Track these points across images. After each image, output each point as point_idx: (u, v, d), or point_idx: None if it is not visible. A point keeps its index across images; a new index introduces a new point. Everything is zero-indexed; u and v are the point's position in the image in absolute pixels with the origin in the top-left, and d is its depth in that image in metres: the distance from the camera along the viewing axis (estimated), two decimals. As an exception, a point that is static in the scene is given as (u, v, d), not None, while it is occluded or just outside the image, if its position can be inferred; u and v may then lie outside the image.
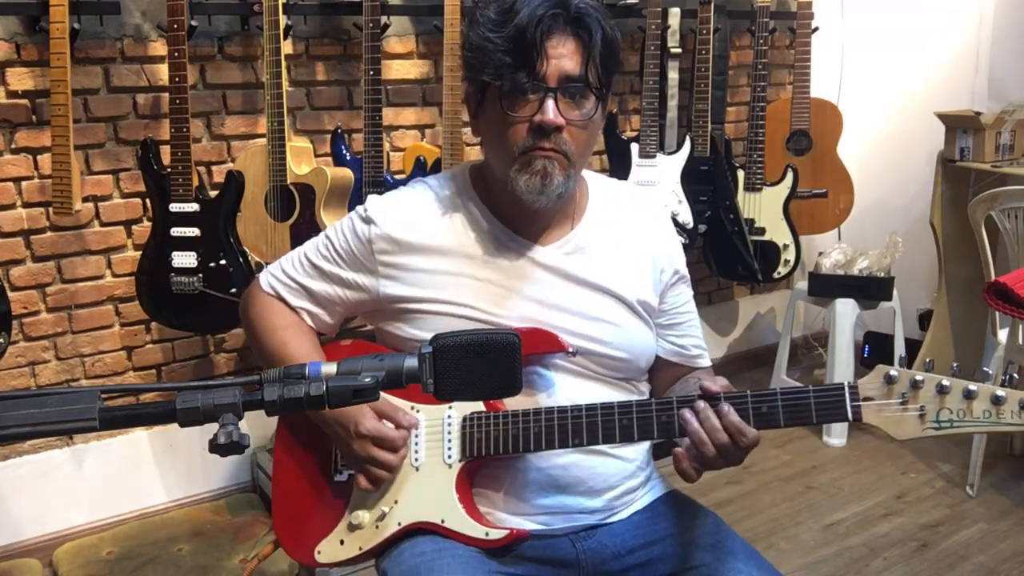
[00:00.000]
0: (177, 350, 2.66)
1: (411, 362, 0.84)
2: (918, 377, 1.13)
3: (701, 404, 1.17)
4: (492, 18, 1.21)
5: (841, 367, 3.15)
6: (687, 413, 1.17)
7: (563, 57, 1.20)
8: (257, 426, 2.61)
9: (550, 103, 1.20)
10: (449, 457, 1.30)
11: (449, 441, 1.30)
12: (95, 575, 2.33)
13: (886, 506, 2.76)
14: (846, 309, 3.15)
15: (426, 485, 1.30)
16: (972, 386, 1.11)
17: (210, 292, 2.31)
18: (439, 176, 1.40)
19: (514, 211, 1.31)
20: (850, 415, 1.14)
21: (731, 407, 1.16)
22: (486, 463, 1.30)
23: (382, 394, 1.28)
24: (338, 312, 1.40)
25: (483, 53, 1.21)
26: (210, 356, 2.72)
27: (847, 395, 1.15)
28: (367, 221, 1.34)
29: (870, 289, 3.16)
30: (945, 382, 1.12)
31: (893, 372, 1.14)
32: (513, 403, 1.29)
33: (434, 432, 1.31)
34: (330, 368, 0.82)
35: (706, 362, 1.45)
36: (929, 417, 1.12)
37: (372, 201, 1.36)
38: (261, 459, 2.68)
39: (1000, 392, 1.10)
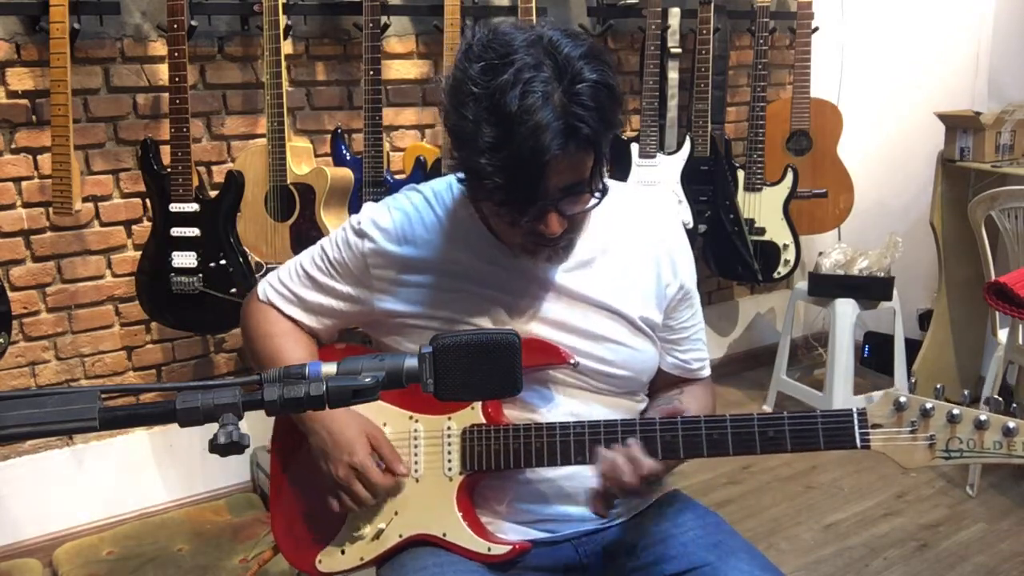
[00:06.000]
0: (177, 350, 2.66)
1: (411, 362, 0.84)
2: (928, 405, 1.10)
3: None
4: (485, 118, 1.05)
5: (841, 367, 3.15)
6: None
7: (565, 171, 1.09)
8: (257, 426, 2.60)
9: (552, 216, 1.13)
10: (449, 470, 1.28)
11: (449, 453, 1.28)
12: (95, 575, 2.33)
13: (886, 506, 2.75)
14: (846, 309, 3.15)
15: (427, 497, 1.29)
16: (983, 416, 1.08)
17: (210, 292, 2.31)
18: (436, 184, 1.34)
19: None
20: (859, 443, 1.12)
21: (635, 441, 1.17)
22: (488, 475, 1.28)
23: (387, 438, 1.30)
24: (333, 322, 1.38)
25: (473, 172, 1.11)
26: (210, 356, 2.72)
27: (856, 422, 1.13)
28: (361, 235, 1.30)
29: (870, 289, 3.16)
30: (956, 411, 1.09)
31: (903, 399, 1.11)
32: (513, 416, 1.28)
33: (433, 443, 1.29)
34: (330, 368, 0.82)
35: (706, 373, 1.43)
36: (939, 447, 1.10)
37: (366, 212, 1.32)
38: (261, 459, 2.68)
39: (1011, 423, 1.07)
